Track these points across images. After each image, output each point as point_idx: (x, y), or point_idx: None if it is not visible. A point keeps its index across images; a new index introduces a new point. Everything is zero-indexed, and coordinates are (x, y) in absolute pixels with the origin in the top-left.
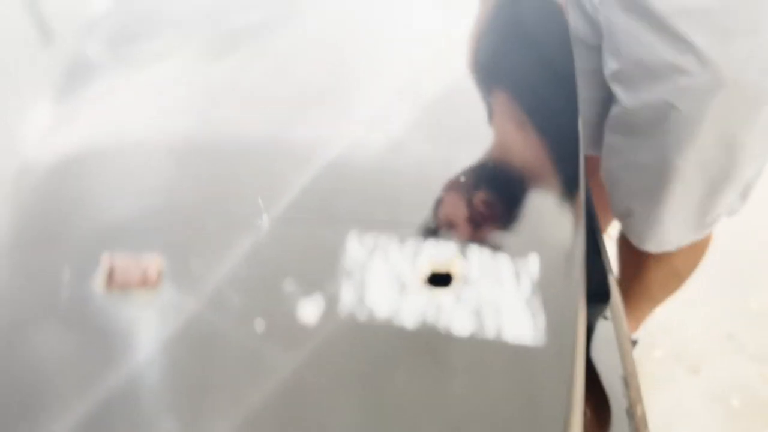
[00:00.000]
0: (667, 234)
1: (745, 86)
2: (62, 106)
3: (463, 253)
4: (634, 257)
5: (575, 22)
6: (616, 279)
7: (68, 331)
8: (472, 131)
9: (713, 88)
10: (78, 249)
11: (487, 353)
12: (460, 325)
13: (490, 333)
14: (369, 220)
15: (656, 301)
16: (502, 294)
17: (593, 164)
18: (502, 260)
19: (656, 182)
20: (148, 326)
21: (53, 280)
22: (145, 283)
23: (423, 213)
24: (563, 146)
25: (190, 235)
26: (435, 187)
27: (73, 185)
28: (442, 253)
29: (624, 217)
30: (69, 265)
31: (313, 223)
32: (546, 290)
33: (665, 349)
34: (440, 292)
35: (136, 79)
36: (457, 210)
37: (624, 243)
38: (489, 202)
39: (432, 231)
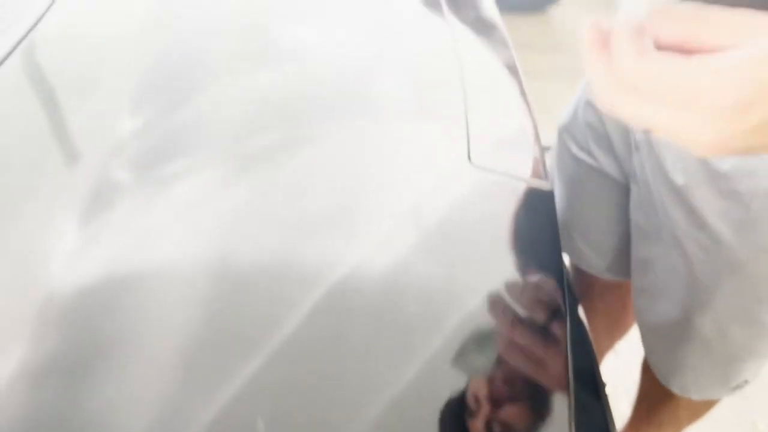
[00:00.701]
0: (689, 383)
1: (760, 272)
2: (83, 233)
3: None
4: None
5: (606, 163)
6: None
7: None
8: (474, 254)
9: (727, 268)
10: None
11: None
12: None
13: None
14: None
15: (681, 427)
16: None
17: (615, 284)
18: None
19: (678, 333)
20: None
21: None
22: None
23: (428, 338)
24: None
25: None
26: (440, 310)
27: (91, 328)
28: None
29: (648, 353)
30: None
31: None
32: None
33: None
34: None
35: (155, 204)
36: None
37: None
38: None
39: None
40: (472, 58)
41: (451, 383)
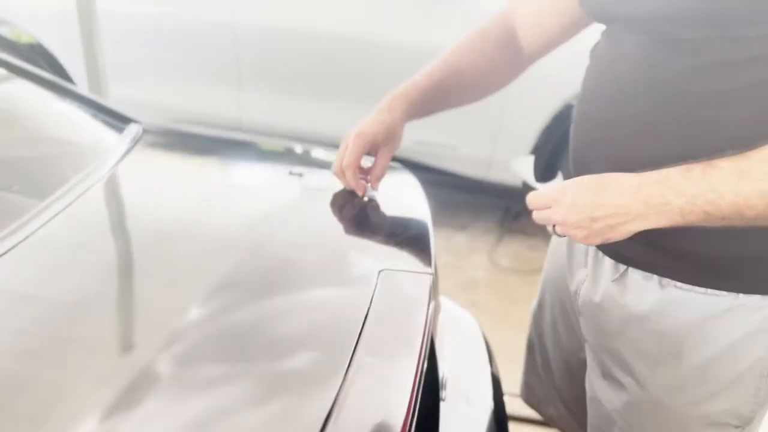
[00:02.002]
0: None
1: (663, 407)
2: (103, 425)
3: None
4: None
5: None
6: None
7: None
8: None
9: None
10: None
11: None
12: None
13: None
14: None
15: None
16: None
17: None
18: None
19: None
20: None
21: None
22: None
23: None
24: None
25: None
26: None
27: None
28: None
29: None
30: None
31: None
32: None
33: None
34: None
35: (177, 412)
36: None
37: None
38: None
39: None
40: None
41: None
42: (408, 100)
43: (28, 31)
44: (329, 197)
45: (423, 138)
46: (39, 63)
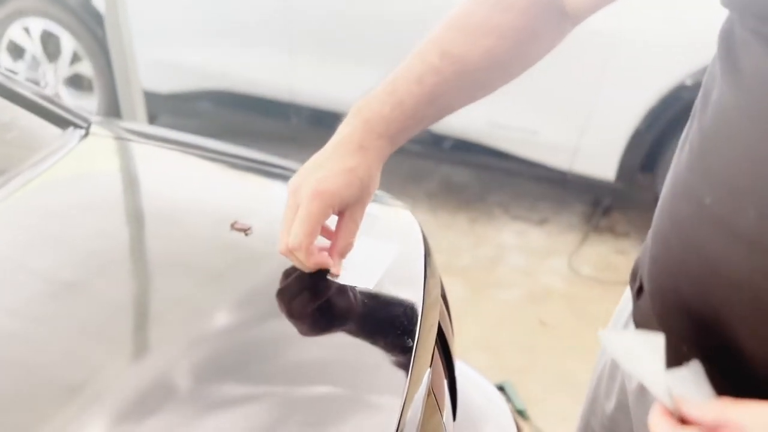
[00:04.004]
0: None
1: None
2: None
3: None
4: None
5: None
6: None
7: None
8: None
9: None
10: None
11: None
12: None
13: None
14: None
15: None
16: None
17: None
18: None
19: None
20: None
21: None
22: None
23: None
24: None
25: None
26: None
27: None
28: None
29: None
30: None
31: None
32: None
33: None
34: None
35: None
36: None
37: None
38: None
39: None
40: None
41: None
42: (389, 130)
43: None
44: (272, 272)
45: (497, 119)
46: (86, 21)
